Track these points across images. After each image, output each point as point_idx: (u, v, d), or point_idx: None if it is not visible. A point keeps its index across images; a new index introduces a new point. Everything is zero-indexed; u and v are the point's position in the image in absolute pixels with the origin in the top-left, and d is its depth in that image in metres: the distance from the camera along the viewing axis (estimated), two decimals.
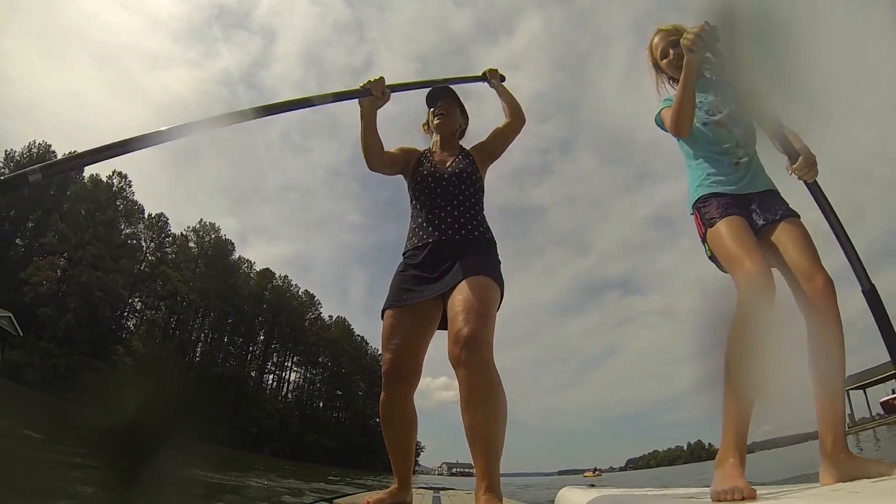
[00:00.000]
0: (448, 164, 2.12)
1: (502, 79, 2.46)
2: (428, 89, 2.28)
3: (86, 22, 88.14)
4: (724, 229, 1.84)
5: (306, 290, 59.21)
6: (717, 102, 2.05)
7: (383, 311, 1.96)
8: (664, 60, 2.20)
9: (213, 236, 49.11)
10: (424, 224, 2.02)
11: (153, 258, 43.82)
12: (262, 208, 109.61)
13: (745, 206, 1.90)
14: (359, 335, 64.28)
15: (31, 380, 28.65)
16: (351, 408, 58.98)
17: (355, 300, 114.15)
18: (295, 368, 56.62)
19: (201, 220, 49.49)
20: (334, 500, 2.15)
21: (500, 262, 2.00)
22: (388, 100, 2.10)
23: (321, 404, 57.97)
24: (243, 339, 50.82)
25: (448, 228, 1.97)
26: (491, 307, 1.77)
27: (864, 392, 32.22)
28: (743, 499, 1.36)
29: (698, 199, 1.99)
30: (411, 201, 2.15)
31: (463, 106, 2.32)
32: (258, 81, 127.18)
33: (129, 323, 41.10)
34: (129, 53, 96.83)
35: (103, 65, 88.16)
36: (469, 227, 1.98)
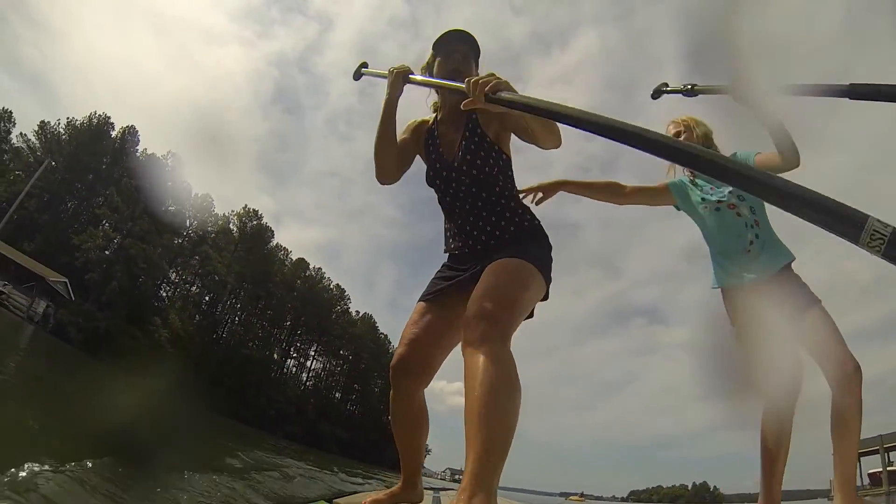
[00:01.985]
0: (456, 147, 1.80)
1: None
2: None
3: None
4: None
5: (338, 284, 60.79)
6: (724, 187, 2.16)
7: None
8: None
9: (254, 223, 51.10)
10: (451, 230, 1.85)
11: (195, 236, 45.96)
12: (300, 191, 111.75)
13: (765, 295, 2.03)
14: (382, 333, 65.41)
15: (73, 338, 30.77)
16: (366, 403, 60.08)
17: (382, 294, 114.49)
18: (317, 358, 58.17)
19: (245, 205, 51.64)
20: (334, 500, 2.08)
21: (543, 247, 1.73)
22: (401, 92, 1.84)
23: (338, 396, 59.27)
24: (271, 325, 52.59)
25: (480, 235, 1.75)
26: (518, 291, 1.50)
27: (885, 455, 31.64)
28: None
29: (722, 287, 2.19)
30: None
31: (479, 52, 1.88)
32: (310, 66, 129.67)
33: (167, 295, 43.21)
34: (187, 26, 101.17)
35: (161, 35, 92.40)
36: (501, 224, 1.73)
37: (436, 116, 1.93)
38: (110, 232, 36.82)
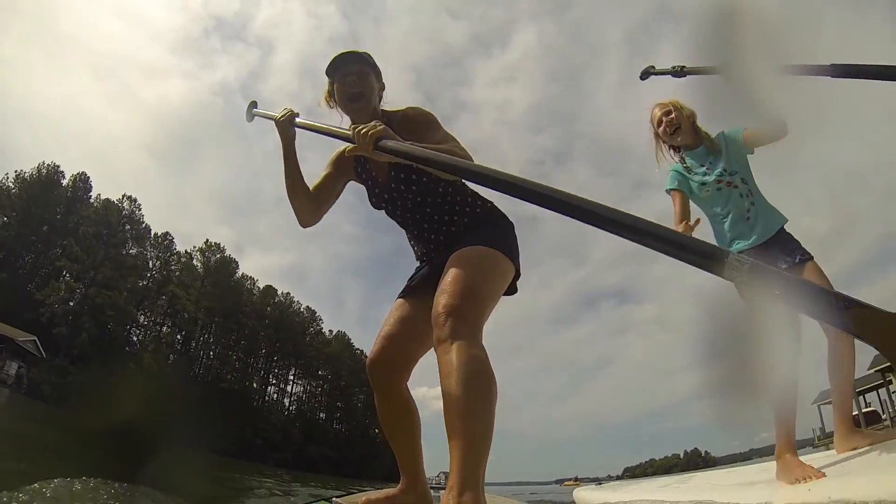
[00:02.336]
0: (387, 167, 1.78)
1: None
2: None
3: (83, 30, 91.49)
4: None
5: (307, 307, 60.96)
6: (714, 167, 2.29)
7: None
8: (659, 128, 2.44)
9: (217, 256, 50.94)
10: (412, 240, 1.88)
11: (160, 276, 45.59)
12: (258, 218, 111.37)
13: (766, 254, 2.16)
14: (358, 349, 65.79)
15: (47, 396, 30.39)
16: (351, 419, 60.35)
17: (351, 312, 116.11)
18: (297, 382, 58.16)
19: (207, 240, 51.55)
20: (334, 499, 2.09)
21: (501, 227, 1.74)
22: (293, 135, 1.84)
23: (322, 416, 59.34)
24: (247, 355, 52.43)
25: (434, 242, 1.78)
26: (474, 278, 1.50)
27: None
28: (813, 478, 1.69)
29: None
30: None
31: (378, 69, 1.86)
32: (255, 93, 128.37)
33: (137, 339, 42.73)
34: (126, 63, 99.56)
35: (100, 74, 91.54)
36: (454, 220, 1.75)
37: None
38: (73, 283, 36.34)
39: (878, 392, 31.99)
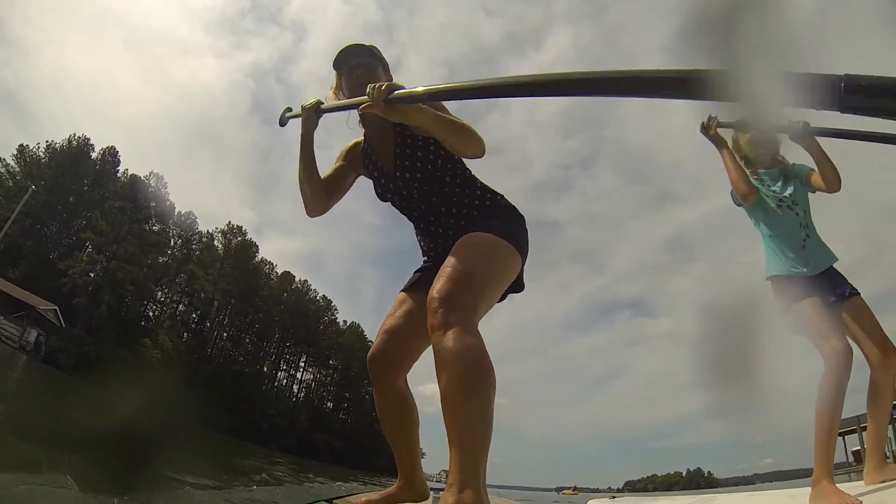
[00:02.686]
0: (392, 157, 1.76)
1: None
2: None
3: (120, 3, 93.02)
4: (809, 308, 2.26)
5: (324, 295, 61.15)
6: (784, 188, 2.44)
7: None
8: (749, 142, 2.58)
9: (239, 239, 51.30)
10: (419, 233, 1.84)
11: (180, 255, 46.04)
12: (281, 202, 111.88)
13: (817, 286, 2.29)
14: (371, 341, 65.76)
15: (63, 364, 30.84)
16: (358, 411, 60.52)
17: (366, 301, 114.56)
18: (307, 369, 58.46)
19: (229, 222, 51.90)
20: (334, 500, 2.09)
21: (508, 219, 1.70)
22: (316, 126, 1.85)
23: (329, 405, 59.59)
24: (260, 339, 52.79)
25: (441, 235, 1.74)
26: (471, 263, 1.45)
27: (843, 439, 33.40)
28: None
29: (779, 275, 2.46)
30: None
31: (385, 62, 1.84)
32: (286, 76, 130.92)
33: (154, 315, 43.26)
34: (161, 39, 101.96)
35: (135, 47, 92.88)
36: (462, 213, 1.71)
37: (365, 136, 1.89)
38: (96, 255, 36.77)
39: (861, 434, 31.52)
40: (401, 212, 1.83)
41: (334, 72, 1.85)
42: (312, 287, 60.20)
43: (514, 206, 1.75)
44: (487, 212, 1.70)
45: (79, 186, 40.52)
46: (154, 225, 43.88)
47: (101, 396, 24.74)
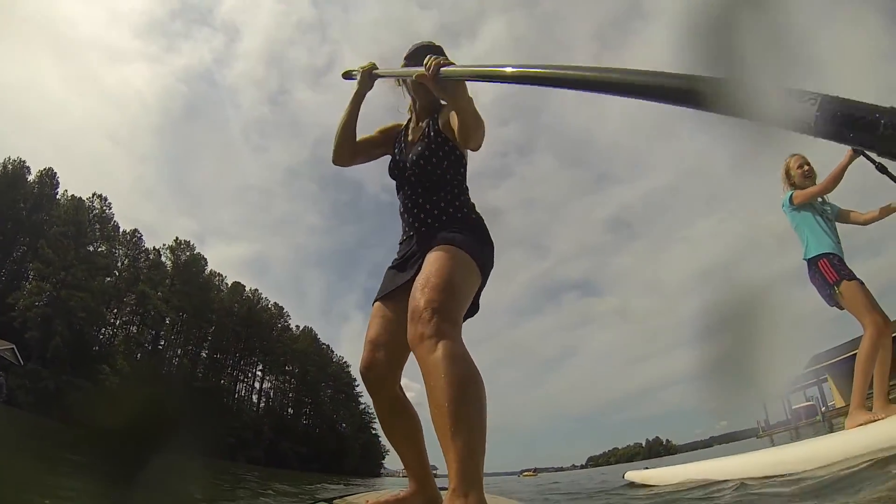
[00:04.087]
0: (414, 144, 1.93)
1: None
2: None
3: (44, 11, 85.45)
4: (859, 286, 3.19)
5: (275, 303, 61.24)
6: (829, 211, 3.50)
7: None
8: (799, 171, 3.57)
9: (187, 254, 50.66)
10: (402, 217, 1.93)
11: (128, 275, 45.12)
12: (221, 208, 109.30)
13: (841, 261, 3.34)
14: (325, 343, 66.45)
15: (22, 402, 30.21)
16: (319, 414, 61.26)
17: (313, 303, 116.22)
18: (265, 379, 58.54)
19: (176, 238, 51.17)
20: (334, 500, 2.13)
21: (478, 236, 1.79)
22: (371, 87, 2.05)
23: (290, 412, 60.02)
24: (217, 353, 52.52)
25: (417, 219, 1.84)
26: (451, 276, 1.51)
27: (784, 400, 37.40)
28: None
29: (828, 253, 3.35)
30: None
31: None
32: (220, 79, 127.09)
33: (108, 340, 42.36)
34: (88, 46, 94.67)
35: (61, 56, 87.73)
36: (436, 213, 1.82)
37: (408, 121, 2.06)
38: (45, 286, 35.78)
39: (804, 391, 35.42)
40: (397, 192, 1.94)
41: (404, 61, 2.00)
42: (263, 295, 60.21)
43: (485, 228, 1.85)
44: (459, 221, 1.78)
45: (16, 212, 38.95)
46: (100, 247, 42.86)
47: (64, 433, 24.70)
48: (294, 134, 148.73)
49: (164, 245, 50.01)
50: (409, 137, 2.00)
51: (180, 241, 51.04)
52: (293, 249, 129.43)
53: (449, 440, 1.23)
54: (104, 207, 43.38)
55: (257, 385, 57.80)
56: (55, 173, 42.19)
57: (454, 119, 1.73)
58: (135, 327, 45.65)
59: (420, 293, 1.46)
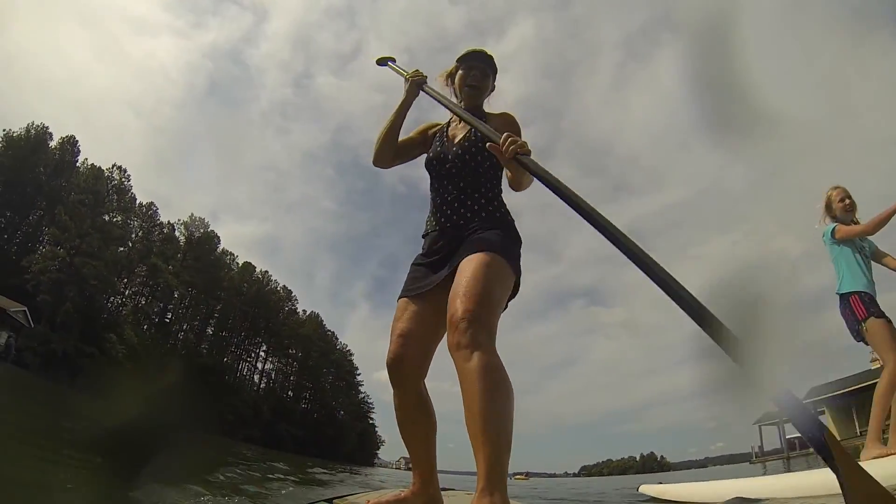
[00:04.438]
0: (458, 139, 1.96)
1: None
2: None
3: None
4: (885, 325, 3.32)
5: (284, 286, 61.63)
6: (867, 248, 3.62)
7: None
8: (840, 204, 3.69)
9: (201, 231, 51.12)
10: (433, 210, 1.94)
11: (141, 247, 45.62)
12: (237, 186, 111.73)
13: (872, 300, 3.44)
14: (330, 330, 66.82)
15: (29, 363, 30.73)
16: (319, 399, 61.69)
17: (321, 287, 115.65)
18: (268, 360, 59.04)
19: (191, 214, 51.64)
20: (334, 500, 2.13)
21: (513, 240, 1.82)
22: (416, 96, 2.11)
23: (290, 394, 60.50)
24: (222, 331, 53.02)
25: (453, 214, 1.86)
26: (493, 286, 1.57)
27: (779, 427, 37.32)
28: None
29: (861, 291, 3.46)
30: (430, 182, 2.04)
31: (496, 73, 2.14)
32: (245, 58, 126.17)
33: (118, 309, 42.89)
34: (116, 15, 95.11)
35: (89, 24, 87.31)
36: (475, 208, 1.85)
37: (450, 120, 2.10)
38: (59, 252, 36.25)
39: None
40: (431, 184, 1.98)
41: (455, 63, 2.11)
42: (273, 278, 60.60)
43: (516, 229, 1.88)
44: (493, 220, 1.82)
45: (36, 177, 39.49)
46: (115, 217, 43.35)
47: (70, 398, 25.05)
48: (315, 118, 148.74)
49: (178, 220, 50.56)
50: (452, 133, 2.04)
51: (195, 217, 51.56)
52: (306, 232, 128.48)
53: (479, 444, 1.31)
54: (123, 179, 43.84)
55: (259, 366, 58.32)
56: (76, 141, 42.71)
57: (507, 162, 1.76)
58: (144, 299, 46.17)
59: (459, 301, 1.50)
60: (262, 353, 58.21)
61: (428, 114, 2.36)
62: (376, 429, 69.97)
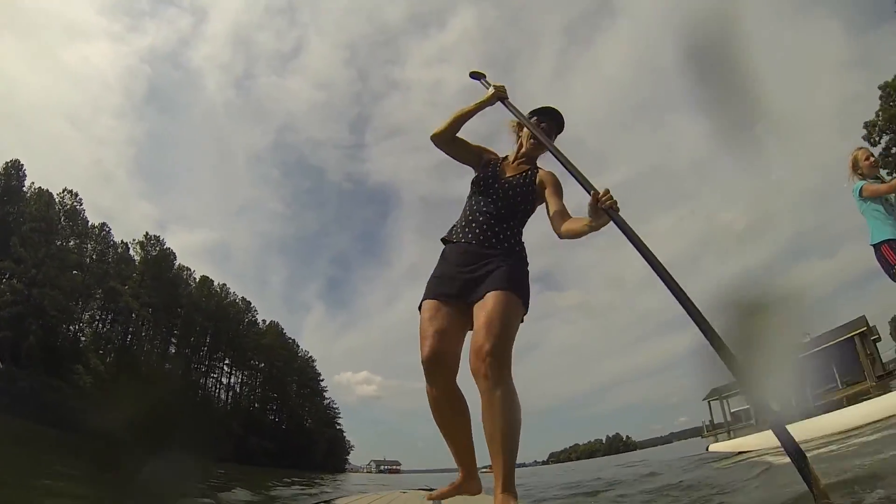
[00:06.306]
0: (509, 175, 2.22)
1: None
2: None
3: None
4: None
5: (243, 297, 61.09)
6: (892, 199, 3.86)
7: (420, 304, 2.06)
8: (866, 162, 3.98)
9: (157, 249, 50.13)
10: (465, 223, 2.16)
11: (99, 271, 44.41)
12: (183, 193, 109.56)
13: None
14: (290, 338, 66.68)
15: (2, 405, 29.88)
16: (286, 409, 61.67)
17: (275, 293, 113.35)
18: (233, 374, 58.45)
19: (146, 233, 50.49)
20: (333, 502, 2.12)
21: (527, 275, 2.09)
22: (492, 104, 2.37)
23: (257, 406, 60.19)
24: (185, 349, 52.28)
25: (482, 234, 2.09)
26: (511, 322, 1.88)
27: (724, 402, 40.66)
28: None
29: (890, 240, 3.79)
30: (468, 198, 2.29)
31: (560, 133, 2.37)
32: (184, 61, 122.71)
33: (78, 337, 41.75)
34: (48, 20, 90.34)
35: (19, 32, 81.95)
36: (501, 237, 2.09)
37: (505, 157, 2.37)
38: (17, 285, 35.10)
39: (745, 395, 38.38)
40: (472, 198, 2.25)
41: (529, 113, 2.35)
42: (231, 290, 60.00)
43: (527, 264, 2.16)
44: (513, 253, 2.10)
45: None
46: (69, 242, 42.06)
47: (41, 437, 24.81)
48: (258, 119, 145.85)
49: (133, 239, 49.31)
50: (504, 167, 2.30)
51: (150, 235, 50.45)
52: (256, 236, 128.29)
53: (499, 455, 1.73)
54: (75, 203, 42.48)
55: (224, 380, 57.73)
56: (21, 164, 40.95)
57: (554, 201, 2.15)
58: (101, 324, 44.98)
59: (485, 335, 1.81)
60: (225, 368, 57.64)
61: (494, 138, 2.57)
62: (344, 434, 70.54)
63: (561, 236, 2.07)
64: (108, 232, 46.96)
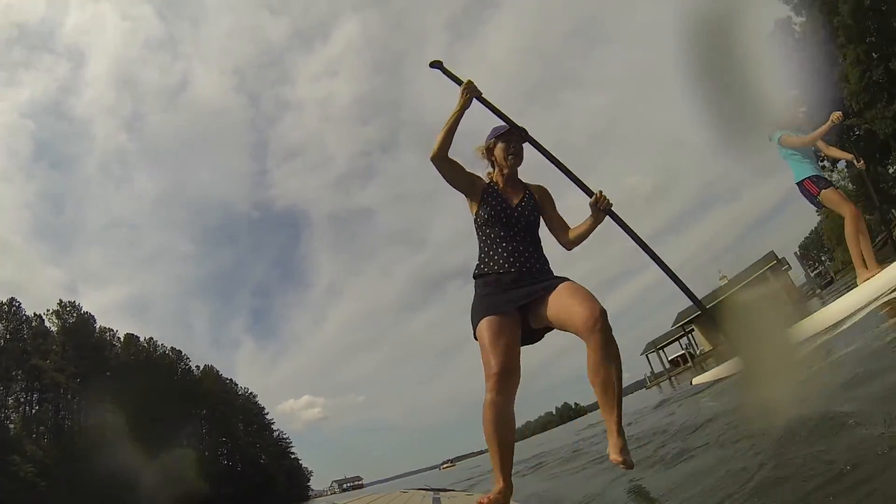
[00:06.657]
0: (516, 201, 2.30)
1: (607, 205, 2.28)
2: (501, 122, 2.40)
3: None
4: (833, 191, 4.15)
5: (172, 347, 59.34)
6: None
7: (476, 325, 2.15)
8: (799, 112, 4.37)
9: (75, 316, 47.84)
10: (496, 255, 2.22)
11: (16, 350, 41.93)
12: (88, 251, 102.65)
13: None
14: (227, 378, 65.56)
15: None
16: (237, 451, 60.69)
17: (202, 336, 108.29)
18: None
19: (60, 300, 47.94)
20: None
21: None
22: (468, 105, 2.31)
23: (206, 454, 58.87)
24: (122, 414, 50.20)
25: (527, 262, 2.20)
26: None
27: (660, 352, 44.67)
28: None
29: (809, 176, 4.18)
30: (481, 230, 2.31)
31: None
32: (68, 110, 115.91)
33: (10, 425, 39.42)
34: None
35: None
36: (542, 259, 2.26)
37: (492, 180, 2.39)
38: None
39: (679, 342, 42.99)
40: (496, 235, 2.26)
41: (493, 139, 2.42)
42: (159, 342, 58.13)
43: None
44: (548, 264, 2.29)
45: None
46: None
47: None
48: (156, 160, 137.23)
49: (47, 310, 46.70)
50: (505, 192, 2.35)
51: (64, 303, 47.97)
52: (171, 282, 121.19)
53: (613, 400, 1.96)
54: None
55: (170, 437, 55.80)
56: None
57: (555, 216, 2.41)
58: (27, 406, 42.48)
59: (586, 297, 2.00)
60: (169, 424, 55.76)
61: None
62: (300, 462, 70.22)
63: (569, 247, 2.38)
64: (19, 307, 44.36)
